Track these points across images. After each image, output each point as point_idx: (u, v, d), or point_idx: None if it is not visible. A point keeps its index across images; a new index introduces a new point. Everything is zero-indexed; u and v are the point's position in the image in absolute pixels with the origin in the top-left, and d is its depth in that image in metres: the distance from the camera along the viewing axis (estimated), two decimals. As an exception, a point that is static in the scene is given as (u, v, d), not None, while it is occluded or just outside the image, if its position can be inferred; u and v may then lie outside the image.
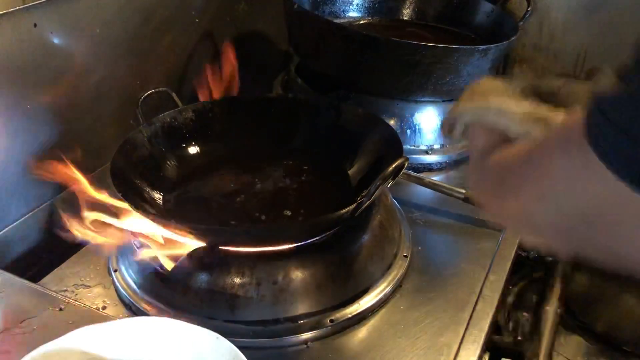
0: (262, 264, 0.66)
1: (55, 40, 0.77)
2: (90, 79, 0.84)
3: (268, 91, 1.14)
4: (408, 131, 0.99)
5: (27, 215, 0.81)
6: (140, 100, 0.78)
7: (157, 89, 0.80)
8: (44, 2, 0.73)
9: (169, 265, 0.67)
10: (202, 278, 0.66)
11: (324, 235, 0.68)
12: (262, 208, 0.75)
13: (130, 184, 0.71)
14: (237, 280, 0.66)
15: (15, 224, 0.79)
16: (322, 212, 0.69)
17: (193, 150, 0.85)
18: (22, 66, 0.74)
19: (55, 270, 0.76)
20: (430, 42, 1.01)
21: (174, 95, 0.83)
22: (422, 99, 0.96)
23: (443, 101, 0.98)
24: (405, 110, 0.98)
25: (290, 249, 0.67)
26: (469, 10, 1.14)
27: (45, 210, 0.83)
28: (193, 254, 0.66)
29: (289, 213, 0.74)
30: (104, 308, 0.70)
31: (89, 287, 0.73)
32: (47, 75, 0.77)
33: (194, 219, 0.72)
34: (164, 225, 0.65)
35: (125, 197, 0.65)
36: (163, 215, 0.72)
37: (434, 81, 0.91)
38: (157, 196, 0.76)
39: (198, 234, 0.64)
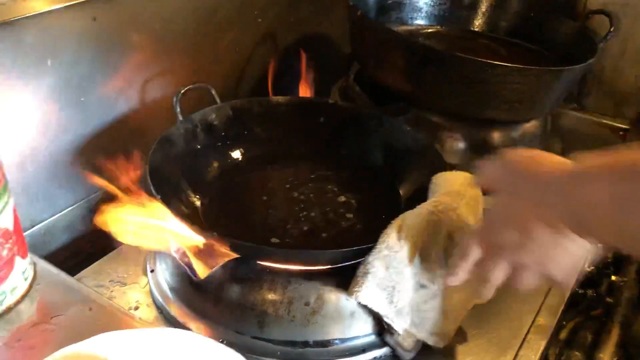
0: (296, 283, 0.63)
1: (114, 35, 0.77)
2: (145, 74, 0.84)
3: (326, 96, 1.12)
4: (467, 150, 0.94)
5: (73, 206, 0.81)
6: (179, 95, 0.77)
7: (195, 85, 0.78)
8: (104, -4, 0.74)
9: (202, 273, 0.66)
10: (233, 290, 0.64)
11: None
12: (305, 221, 0.73)
13: (167, 184, 0.69)
14: (269, 296, 0.63)
15: (61, 213, 0.80)
16: (364, 234, 0.66)
17: (231, 149, 0.83)
18: (79, 59, 0.74)
19: (94, 264, 0.76)
20: (502, 57, 0.96)
21: (213, 91, 0.81)
22: (485, 118, 0.91)
23: (508, 122, 0.93)
24: (466, 130, 0.93)
25: (326, 269, 0.64)
26: (545, 25, 1.07)
27: (91, 203, 0.83)
28: (227, 265, 0.65)
29: (333, 230, 0.71)
30: (136, 309, 0.70)
31: (125, 285, 0.73)
32: (102, 69, 0.77)
33: (231, 229, 0.70)
34: (199, 234, 0.64)
35: (164, 200, 0.64)
36: (199, 222, 0.70)
37: (499, 101, 0.86)
38: (195, 198, 0.74)
39: (233, 247, 0.62)
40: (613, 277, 0.98)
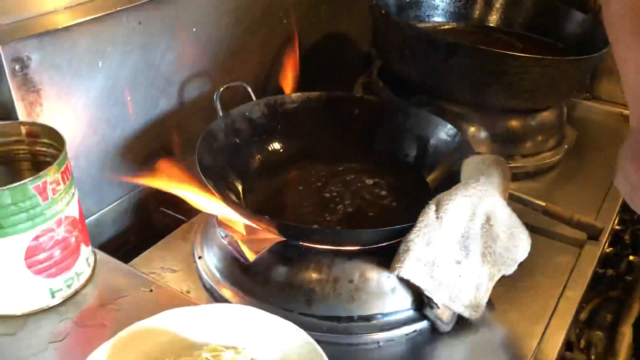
0: (340, 262, 0.68)
1: (156, 38, 0.82)
2: (184, 74, 0.89)
3: (350, 90, 1.17)
4: (488, 139, 0.99)
5: (120, 200, 0.86)
6: (219, 92, 0.82)
7: (233, 83, 0.84)
8: (147, 2, 0.78)
9: (250, 256, 0.70)
10: (281, 271, 0.69)
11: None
12: (344, 206, 0.77)
13: (215, 171, 0.74)
14: (315, 276, 0.68)
15: (109, 207, 0.85)
16: (399, 216, 0.70)
17: (269, 142, 0.89)
18: (125, 61, 0.79)
19: (144, 253, 0.81)
20: (518, 51, 1.01)
21: (249, 89, 0.87)
22: (506, 109, 0.95)
23: (527, 111, 0.97)
24: (487, 119, 0.98)
25: (369, 249, 0.69)
26: (558, 18, 1.12)
27: (137, 196, 0.88)
28: (273, 248, 0.69)
29: (370, 214, 0.75)
30: (188, 292, 0.75)
31: (175, 271, 0.78)
32: (146, 70, 0.82)
33: (274, 214, 0.75)
34: (247, 217, 0.68)
35: (212, 184, 0.69)
36: (245, 206, 0.75)
37: (519, 91, 0.90)
38: (239, 186, 0.80)
39: (278, 229, 0.67)
40: (631, 257, 1.02)
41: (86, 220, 0.82)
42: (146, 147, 0.87)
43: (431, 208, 0.65)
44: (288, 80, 0.98)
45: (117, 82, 0.79)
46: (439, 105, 0.96)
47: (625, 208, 0.93)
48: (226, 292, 0.72)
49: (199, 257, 0.78)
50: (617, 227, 0.97)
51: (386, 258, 0.67)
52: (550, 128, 1.04)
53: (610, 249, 0.97)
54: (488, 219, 0.67)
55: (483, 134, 0.98)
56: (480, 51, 0.87)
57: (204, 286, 0.75)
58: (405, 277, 0.64)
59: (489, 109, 0.95)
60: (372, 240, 0.67)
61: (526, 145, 1.00)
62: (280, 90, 0.97)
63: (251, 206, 0.77)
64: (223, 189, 0.72)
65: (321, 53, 1.18)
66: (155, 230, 0.87)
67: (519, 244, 0.69)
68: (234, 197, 0.74)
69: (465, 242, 0.66)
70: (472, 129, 0.97)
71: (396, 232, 0.65)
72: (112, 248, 0.86)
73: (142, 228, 0.90)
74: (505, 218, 0.68)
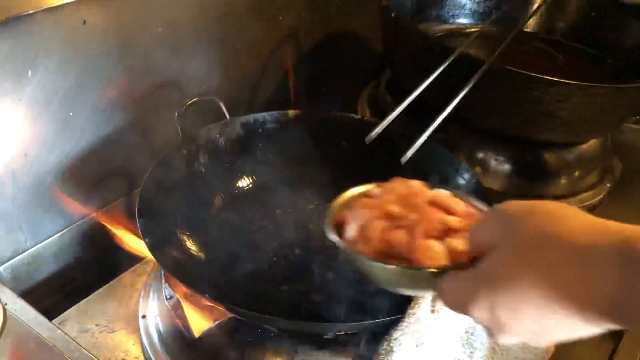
0: (304, 353, 0.53)
1: (108, 40, 0.67)
2: (145, 85, 0.74)
3: (355, 101, 1.00)
4: (512, 173, 0.82)
5: (61, 232, 0.73)
6: (180, 112, 0.66)
7: (200, 98, 0.68)
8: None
9: (196, 330, 0.56)
10: (232, 356, 0.54)
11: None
12: (319, 270, 0.61)
13: (160, 221, 0.59)
14: (274, 361, 0.53)
15: (47, 240, 0.72)
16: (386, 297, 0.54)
17: (239, 174, 0.73)
18: (66, 69, 0.64)
19: (81, 303, 0.67)
20: (557, 65, 0.83)
21: (221, 104, 0.71)
22: (540, 140, 0.78)
23: (565, 144, 0.80)
24: (513, 149, 0.81)
25: (343, 335, 0.53)
26: (610, 27, 0.93)
27: (82, 227, 0.74)
28: (225, 324, 0.55)
29: (350, 292, 0.59)
30: (123, 361, 0.61)
31: (113, 331, 0.64)
32: (93, 80, 0.68)
33: (232, 275, 0.60)
34: (190, 289, 0.54)
35: (151, 246, 0.54)
36: (192, 272, 0.59)
37: (555, 122, 0.73)
38: (190, 242, 0.63)
39: (230, 311, 0.52)
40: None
41: (16, 258, 0.70)
42: (96, 172, 0.73)
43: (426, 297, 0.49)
44: (281, 92, 0.82)
45: (54, 95, 0.64)
46: (456, 132, 0.79)
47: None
48: (165, 370, 0.57)
49: (143, 316, 0.63)
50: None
51: (366, 349, 0.52)
52: (591, 161, 0.86)
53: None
54: None
55: (506, 167, 0.82)
56: (508, 73, 0.69)
57: (144, 356, 0.61)
58: None
59: (520, 141, 0.78)
60: (344, 331, 0.52)
61: (560, 183, 0.83)
62: (272, 106, 0.82)
63: (207, 264, 0.62)
64: (165, 245, 0.57)
65: (324, 55, 1.02)
66: (107, 266, 0.73)
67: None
68: (177, 254, 0.59)
69: (469, 339, 0.51)
70: (494, 162, 0.81)
71: (378, 326, 0.50)
72: (49, 290, 0.73)
73: (90, 264, 0.76)
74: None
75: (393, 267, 0.37)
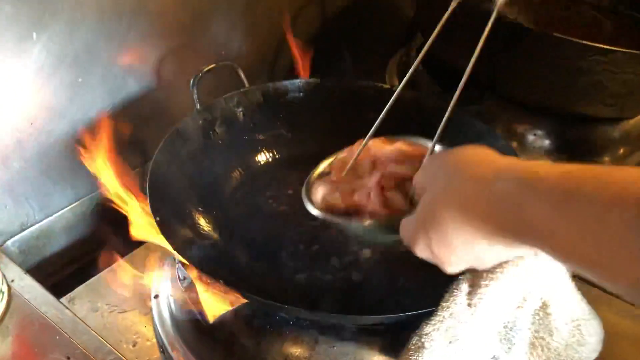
0: (327, 342, 0.48)
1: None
2: (161, 49, 0.69)
3: (382, 69, 0.94)
4: (552, 150, 0.76)
5: (72, 205, 0.69)
6: (197, 77, 0.62)
7: (220, 63, 0.63)
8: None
9: (210, 315, 0.52)
10: (248, 343, 0.50)
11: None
12: (339, 261, 0.57)
13: (172, 198, 0.55)
14: (292, 350, 0.49)
15: (57, 214, 0.68)
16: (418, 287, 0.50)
17: (258, 148, 0.68)
18: (74, 31, 0.59)
19: (91, 280, 0.64)
20: (605, 32, 0.76)
21: (240, 72, 0.66)
22: (584, 114, 0.72)
23: (610, 120, 0.73)
24: (554, 125, 0.75)
25: (370, 326, 0.49)
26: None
27: (94, 200, 0.70)
28: (241, 310, 0.51)
29: (375, 280, 0.55)
30: (134, 345, 0.57)
31: (124, 311, 0.61)
32: (106, 43, 0.63)
33: (247, 262, 0.56)
34: (209, 279, 0.50)
35: (161, 226, 0.50)
36: (205, 256, 0.55)
37: (603, 95, 0.66)
38: (204, 221, 0.59)
39: (245, 298, 0.48)
40: None
41: (25, 232, 0.66)
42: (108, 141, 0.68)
43: (462, 289, 0.44)
44: (299, 58, 0.76)
45: (63, 59, 0.60)
46: (492, 104, 0.73)
47: None
48: (177, 355, 0.54)
49: (155, 296, 0.60)
50: None
51: (393, 342, 0.48)
52: (637, 138, 0.80)
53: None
54: (545, 306, 0.46)
55: (546, 143, 0.76)
56: (553, 40, 0.63)
57: (156, 338, 0.58)
58: None
59: (565, 116, 0.72)
60: (369, 324, 0.48)
61: (603, 161, 0.77)
62: (295, 75, 0.76)
63: (221, 247, 0.57)
64: (176, 224, 0.53)
65: (349, 21, 0.95)
66: (119, 242, 0.70)
67: (586, 341, 0.47)
68: (190, 234, 0.54)
69: (508, 334, 0.46)
70: (532, 137, 0.75)
71: (409, 319, 0.45)
72: (64, 262, 0.70)
73: (102, 240, 0.72)
74: (571, 307, 0.47)
75: (356, 224, 0.44)
